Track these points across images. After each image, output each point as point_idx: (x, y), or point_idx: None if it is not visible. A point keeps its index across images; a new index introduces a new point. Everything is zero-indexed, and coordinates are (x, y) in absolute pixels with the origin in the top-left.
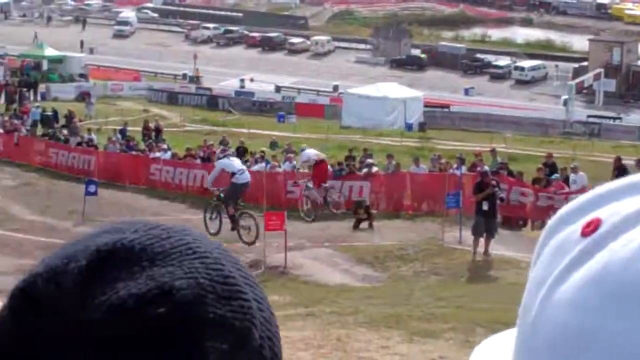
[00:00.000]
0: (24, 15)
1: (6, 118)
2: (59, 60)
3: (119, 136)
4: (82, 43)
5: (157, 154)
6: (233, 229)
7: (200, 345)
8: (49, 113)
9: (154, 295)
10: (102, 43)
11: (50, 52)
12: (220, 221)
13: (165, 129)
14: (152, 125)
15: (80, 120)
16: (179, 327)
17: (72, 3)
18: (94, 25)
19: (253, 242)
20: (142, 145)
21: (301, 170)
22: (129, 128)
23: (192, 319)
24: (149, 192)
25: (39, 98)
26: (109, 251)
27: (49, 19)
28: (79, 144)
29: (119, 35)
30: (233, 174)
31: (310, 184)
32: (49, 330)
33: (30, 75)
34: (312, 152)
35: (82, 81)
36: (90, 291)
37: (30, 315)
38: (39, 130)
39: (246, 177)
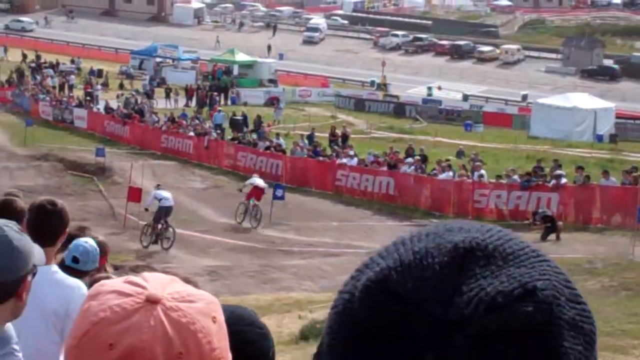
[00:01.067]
0: (217, 21)
1: (197, 122)
2: (249, 66)
3: (306, 142)
4: (269, 48)
5: (344, 160)
6: (155, 241)
7: (561, 345)
8: (239, 117)
9: (519, 293)
10: (291, 49)
11: (241, 57)
12: (151, 236)
13: (352, 136)
14: (338, 131)
15: (269, 125)
16: (543, 325)
17: (264, 9)
18: (284, 31)
19: (169, 248)
20: (329, 151)
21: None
22: (316, 134)
23: (553, 318)
24: (335, 197)
25: (229, 102)
26: (466, 249)
27: (241, 24)
28: (267, 148)
29: (308, 42)
30: (160, 200)
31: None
32: (410, 324)
33: (221, 79)
34: (257, 181)
35: (271, 86)
36: (452, 286)
37: (388, 309)
38: (228, 134)
39: (169, 202)
